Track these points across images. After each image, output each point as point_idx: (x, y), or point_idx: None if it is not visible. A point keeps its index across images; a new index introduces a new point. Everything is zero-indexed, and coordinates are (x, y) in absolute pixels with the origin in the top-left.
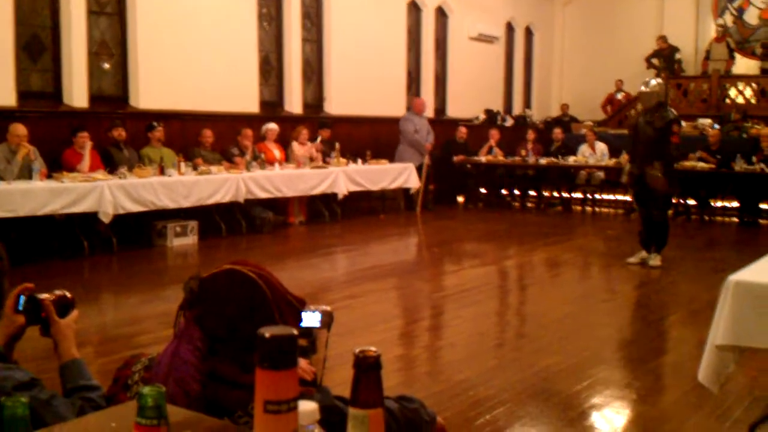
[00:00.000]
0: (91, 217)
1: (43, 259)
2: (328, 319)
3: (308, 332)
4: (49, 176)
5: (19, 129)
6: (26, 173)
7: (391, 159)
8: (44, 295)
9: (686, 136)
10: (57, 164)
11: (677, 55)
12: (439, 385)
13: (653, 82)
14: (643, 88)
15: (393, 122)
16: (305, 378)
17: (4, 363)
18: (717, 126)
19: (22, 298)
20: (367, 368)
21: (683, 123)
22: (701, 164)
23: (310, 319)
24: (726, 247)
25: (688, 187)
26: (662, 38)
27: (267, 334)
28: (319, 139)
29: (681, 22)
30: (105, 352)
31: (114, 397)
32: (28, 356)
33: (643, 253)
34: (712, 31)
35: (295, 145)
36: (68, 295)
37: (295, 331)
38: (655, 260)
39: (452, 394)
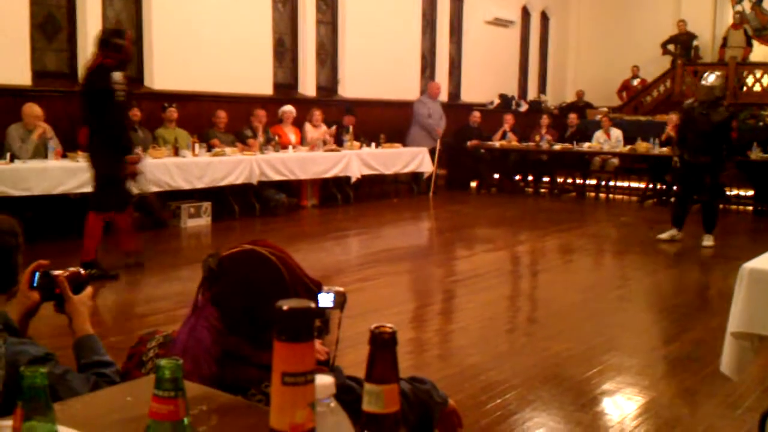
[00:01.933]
0: None
1: (58, 238)
2: (341, 300)
3: (322, 313)
4: (64, 156)
5: (35, 109)
6: (41, 152)
7: (404, 143)
8: (58, 272)
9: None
10: (72, 144)
11: (694, 42)
12: (450, 369)
13: (712, 76)
14: (703, 82)
15: (407, 106)
16: (318, 358)
17: (19, 338)
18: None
19: (37, 275)
20: (383, 344)
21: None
22: None
23: (324, 299)
24: (740, 236)
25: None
26: (682, 22)
27: (285, 307)
28: (334, 127)
29: (698, 8)
30: (119, 331)
31: (128, 373)
32: (43, 333)
33: (674, 231)
34: (729, 18)
35: (308, 126)
36: (82, 271)
37: (313, 305)
38: (709, 240)
39: (463, 378)
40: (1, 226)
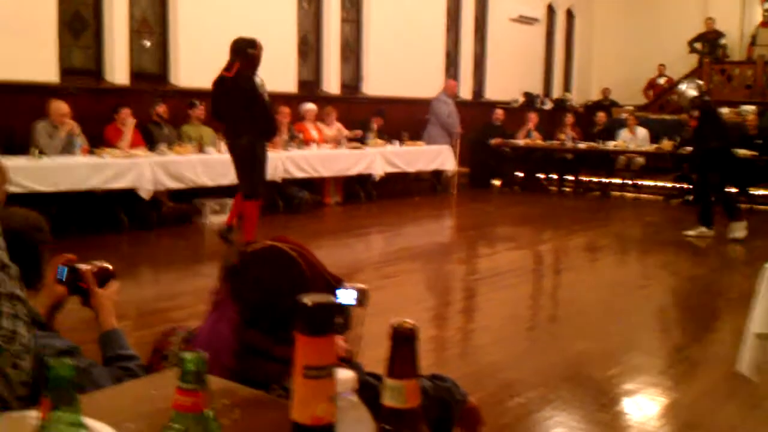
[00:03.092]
0: (131, 193)
1: (83, 234)
2: (363, 297)
3: (343, 309)
4: (90, 152)
5: (62, 107)
6: (68, 149)
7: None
8: (85, 267)
9: (728, 122)
10: (98, 140)
11: (722, 41)
12: (470, 367)
13: (685, 85)
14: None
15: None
16: (339, 354)
17: (45, 332)
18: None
19: (64, 269)
20: (403, 340)
21: (727, 109)
22: (742, 151)
23: (346, 296)
24: (765, 236)
25: (729, 173)
26: (710, 20)
27: (307, 301)
28: (358, 131)
29: (727, 6)
30: (142, 326)
31: (152, 367)
32: (69, 327)
33: (702, 228)
34: (758, 16)
35: (320, 125)
36: (108, 266)
37: (334, 299)
38: (694, 230)
39: (483, 376)
40: (29, 222)
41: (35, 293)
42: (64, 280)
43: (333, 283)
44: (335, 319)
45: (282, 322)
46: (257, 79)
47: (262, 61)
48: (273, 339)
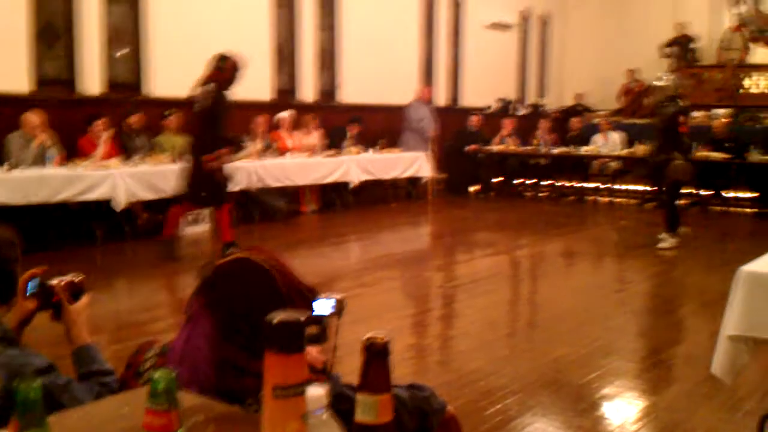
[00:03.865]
0: (105, 205)
1: (57, 246)
2: (339, 307)
3: (319, 320)
4: (63, 163)
5: (35, 118)
6: (41, 160)
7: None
8: (55, 280)
9: (699, 125)
10: (72, 151)
11: (693, 45)
12: (450, 375)
13: (664, 77)
14: (656, 82)
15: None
16: (316, 366)
17: (20, 349)
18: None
19: (31, 283)
20: (375, 354)
21: (697, 113)
22: (714, 154)
23: (322, 306)
24: (739, 238)
25: (702, 177)
26: (680, 25)
27: (275, 319)
28: (316, 133)
29: (697, 10)
30: (118, 339)
31: (126, 383)
32: (40, 341)
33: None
34: (728, 20)
35: (298, 133)
36: (79, 279)
37: (303, 317)
38: (665, 242)
39: (463, 384)
40: (1, 237)
41: (9, 310)
42: (33, 294)
43: (308, 294)
44: (303, 336)
45: (257, 335)
46: (210, 93)
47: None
48: (250, 353)
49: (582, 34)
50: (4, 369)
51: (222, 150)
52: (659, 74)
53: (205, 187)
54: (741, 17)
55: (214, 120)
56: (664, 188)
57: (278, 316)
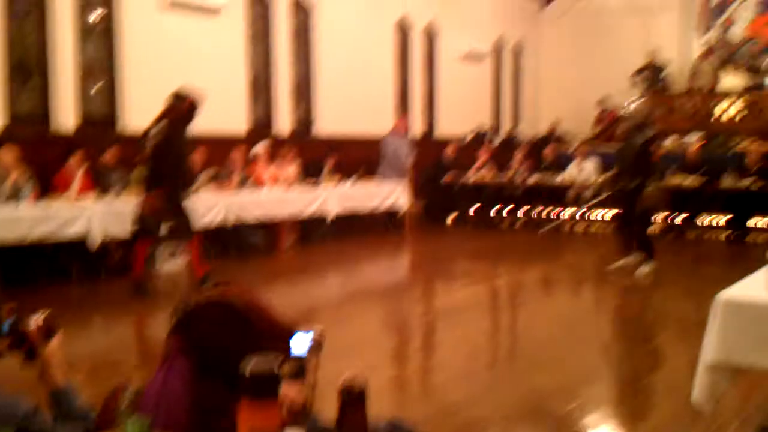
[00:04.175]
0: (79, 242)
1: (31, 283)
2: (317, 343)
3: (297, 356)
4: (38, 199)
5: (7, 155)
6: (15, 197)
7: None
8: (28, 320)
9: (672, 152)
10: (47, 187)
11: (664, 73)
12: (431, 407)
13: (633, 105)
14: (625, 110)
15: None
16: (294, 403)
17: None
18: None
19: (6, 322)
20: (352, 398)
21: (671, 139)
22: (688, 181)
23: (300, 342)
24: (715, 264)
25: (675, 203)
26: (652, 52)
27: (249, 367)
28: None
29: (667, 39)
30: (95, 379)
31: (100, 427)
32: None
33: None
34: (697, 48)
35: (275, 165)
36: (51, 318)
37: (277, 364)
38: (644, 268)
39: (445, 415)
40: None
41: None
42: (7, 333)
43: (285, 331)
44: (277, 383)
45: (233, 376)
46: (153, 129)
47: (213, 101)
48: (226, 394)
49: (555, 63)
50: None
51: (154, 192)
52: (626, 102)
53: (158, 220)
54: (709, 45)
55: (163, 158)
56: (631, 215)
57: (252, 363)
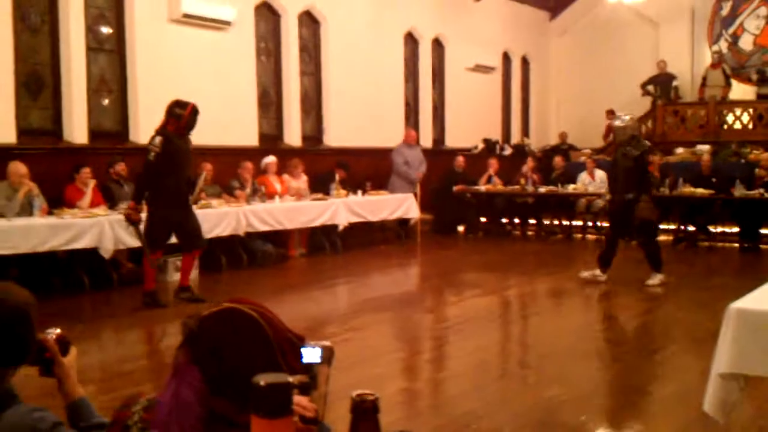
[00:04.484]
0: (92, 253)
1: (44, 295)
2: (328, 355)
3: (309, 368)
4: (49, 213)
5: (20, 168)
6: (27, 210)
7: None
8: (45, 335)
9: (683, 161)
10: (58, 201)
11: (674, 83)
12: (442, 418)
13: (626, 117)
14: (617, 123)
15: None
16: (306, 415)
17: (31, 406)
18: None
19: None
20: (364, 413)
21: (681, 149)
22: (700, 190)
23: (311, 355)
24: (727, 274)
25: (688, 213)
26: (662, 62)
27: (261, 383)
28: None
29: (677, 49)
30: (107, 390)
31: None
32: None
33: (597, 271)
34: (707, 58)
35: (286, 177)
36: (63, 332)
37: (290, 379)
38: (654, 279)
39: (456, 428)
40: (22, 298)
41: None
42: None
43: (296, 343)
44: (290, 399)
45: (246, 387)
46: (155, 139)
47: (224, 114)
48: (239, 406)
49: (563, 74)
50: (17, 428)
51: (132, 203)
52: (618, 115)
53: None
54: (719, 55)
55: (159, 167)
56: (623, 228)
57: (264, 380)
